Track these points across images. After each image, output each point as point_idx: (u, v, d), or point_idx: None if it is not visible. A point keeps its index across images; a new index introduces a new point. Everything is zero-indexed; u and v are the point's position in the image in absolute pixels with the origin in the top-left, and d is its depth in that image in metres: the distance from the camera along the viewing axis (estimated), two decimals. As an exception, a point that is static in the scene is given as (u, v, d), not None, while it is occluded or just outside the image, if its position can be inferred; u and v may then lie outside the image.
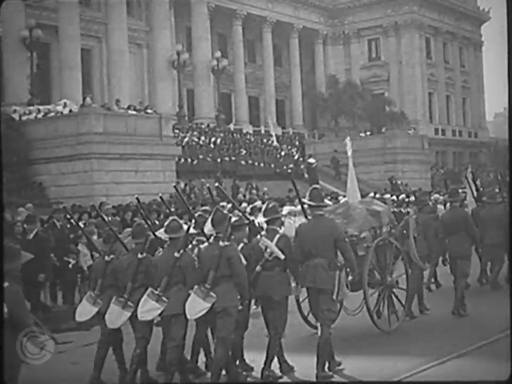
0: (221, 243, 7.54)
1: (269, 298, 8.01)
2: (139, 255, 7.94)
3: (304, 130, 47.16)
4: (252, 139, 36.89)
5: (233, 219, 7.97)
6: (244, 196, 26.95)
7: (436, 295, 12.60)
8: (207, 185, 11.93)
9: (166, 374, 7.71)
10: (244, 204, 16.25)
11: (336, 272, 8.07)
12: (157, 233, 8.44)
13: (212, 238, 7.72)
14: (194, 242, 8.21)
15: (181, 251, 7.65)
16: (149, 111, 27.29)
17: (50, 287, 13.79)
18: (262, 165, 33.39)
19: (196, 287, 7.49)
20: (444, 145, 51.27)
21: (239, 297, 7.60)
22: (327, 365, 8.01)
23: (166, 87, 37.54)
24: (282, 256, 7.93)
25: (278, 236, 8.05)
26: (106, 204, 15.79)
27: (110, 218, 15.01)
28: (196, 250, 7.90)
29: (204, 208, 12.61)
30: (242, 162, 32.48)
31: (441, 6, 52.60)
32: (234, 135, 36.52)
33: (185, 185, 26.90)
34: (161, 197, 10.70)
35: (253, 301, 8.28)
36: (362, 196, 12.27)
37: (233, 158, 32.15)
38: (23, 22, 30.56)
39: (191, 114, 40.27)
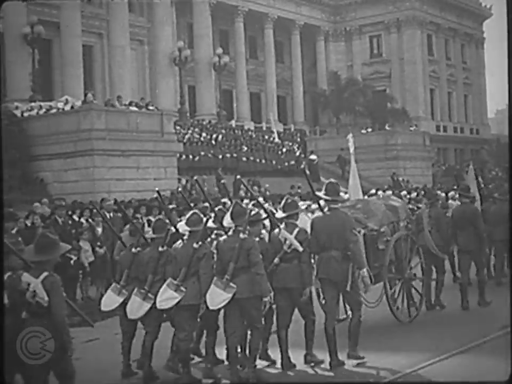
0: (241, 235, 7.78)
1: (288, 289, 8.20)
2: (160, 249, 8.18)
3: (306, 127, 47.12)
4: (253, 135, 36.87)
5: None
6: (246, 193, 26.93)
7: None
8: (237, 177, 11.95)
9: (184, 364, 7.89)
10: (246, 201, 16.25)
11: (350, 264, 8.24)
12: (177, 225, 8.60)
13: (231, 231, 7.94)
14: (213, 236, 8.42)
15: (199, 243, 7.89)
16: (150, 107, 27.27)
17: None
18: (263, 161, 33.38)
19: (215, 278, 7.72)
20: (446, 142, 51.22)
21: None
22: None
23: (167, 83, 37.51)
24: (301, 249, 8.16)
25: (297, 229, 8.28)
26: (107, 200, 15.79)
27: (111, 214, 15.06)
28: (215, 243, 8.13)
29: (205, 204, 12.62)
30: (244, 158, 32.46)
31: (443, 3, 52.51)
32: (236, 131, 36.49)
33: (187, 181, 26.92)
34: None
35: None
36: (363, 193, 12.34)
37: (234, 155, 32.13)
38: (25, 19, 30.52)
39: (193, 110, 40.24)
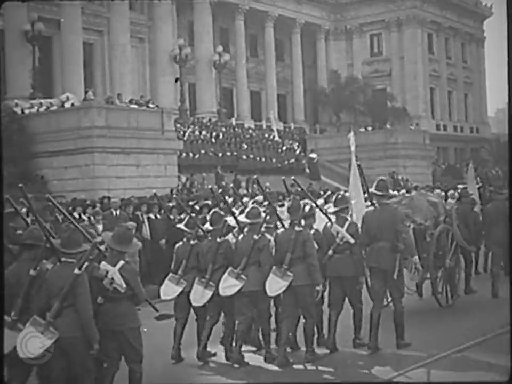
0: (296, 228, 8.45)
1: (341, 278, 8.87)
2: (218, 239, 8.72)
3: (306, 125, 47.10)
4: (254, 134, 36.86)
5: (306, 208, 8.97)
6: (247, 190, 26.95)
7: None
8: (283, 179, 12.31)
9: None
10: (246, 199, 16.25)
11: (398, 255, 8.85)
12: (239, 218, 9.01)
13: (288, 224, 8.59)
14: (263, 229, 8.80)
15: (260, 234, 8.48)
16: (150, 105, 27.29)
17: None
18: (263, 159, 33.38)
19: (274, 267, 8.34)
20: (446, 141, 51.23)
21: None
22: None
23: (167, 81, 37.51)
24: (352, 241, 8.87)
25: (348, 222, 9.07)
26: (112, 198, 15.84)
27: (117, 212, 15.07)
28: (273, 234, 8.70)
29: (205, 202, 12.65)
30: (244, 157, 32.46)
31: (443, 2, 52.48)
32: (236, 129, 36.48)
33: (187, 179, 26.92)
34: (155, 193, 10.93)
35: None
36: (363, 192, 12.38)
37: (234, 153, 32.13)
38: (25, 16, 30.56)
39: (193, 108, 40.24)
